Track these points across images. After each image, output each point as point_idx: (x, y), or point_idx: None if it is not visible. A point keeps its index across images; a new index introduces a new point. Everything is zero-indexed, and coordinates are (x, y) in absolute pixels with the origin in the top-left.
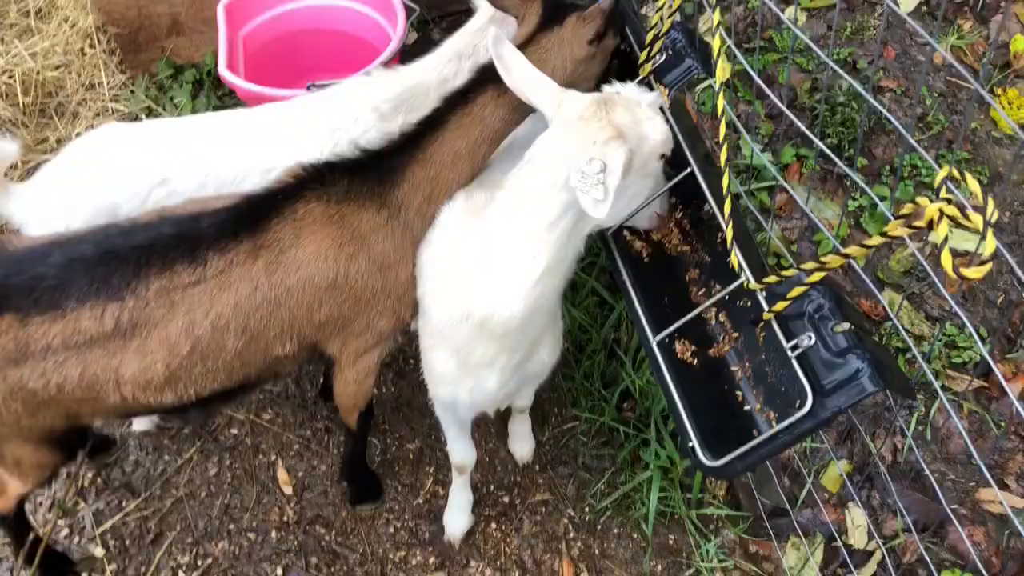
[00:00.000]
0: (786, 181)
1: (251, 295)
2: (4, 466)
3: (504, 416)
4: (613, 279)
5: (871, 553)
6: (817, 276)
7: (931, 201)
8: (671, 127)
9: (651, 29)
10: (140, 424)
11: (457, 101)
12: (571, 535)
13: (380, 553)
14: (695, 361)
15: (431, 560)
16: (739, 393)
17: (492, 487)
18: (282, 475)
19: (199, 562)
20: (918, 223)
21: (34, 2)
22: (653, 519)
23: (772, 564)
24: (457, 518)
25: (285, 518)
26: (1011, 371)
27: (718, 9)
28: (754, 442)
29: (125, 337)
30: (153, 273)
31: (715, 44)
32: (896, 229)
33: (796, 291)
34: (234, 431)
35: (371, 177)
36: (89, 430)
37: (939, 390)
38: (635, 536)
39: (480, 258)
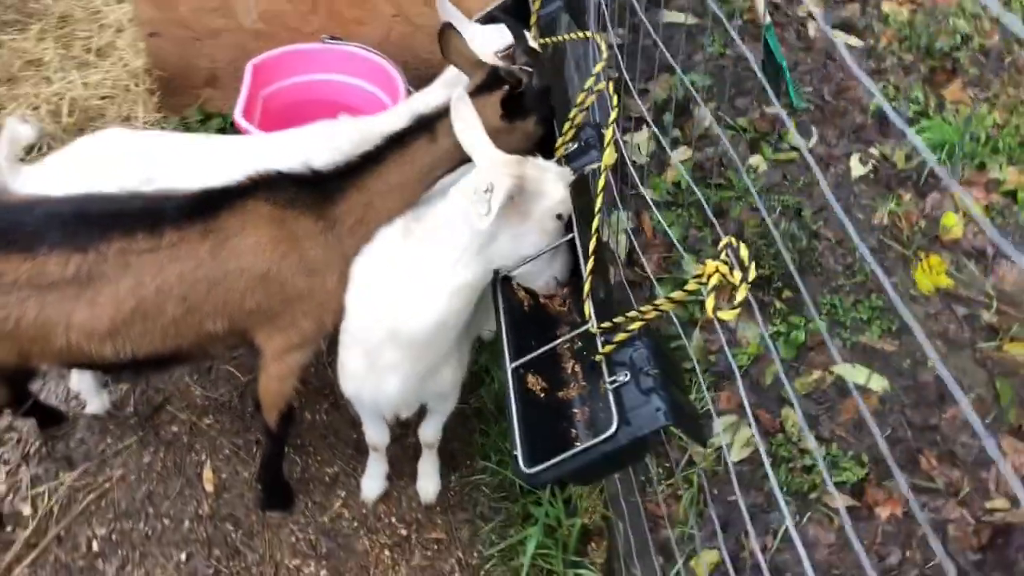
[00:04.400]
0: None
1: (194, 270)
2: None
3: (416, 456)
4: None
5: None
6: (637, 325)
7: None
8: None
9: (569, 120)
10: (92, 406)
11: (396, 142)
12: (455, 575)
13: (278, 557)
14: (543, 396)
15: (322, 573)
16: (574, 431)
17: (393, 519)
18: (207, 474)
19: (114, 536)
20: (699, 276)
21: (97, 41)
22: (528, 570)
23: None
24: (372, 484)
25: (200, 511)
26: (884, 497)
27: (616, 98)
28: (564, 455)
29: (81, 286)
30: (116, 235)
31: (607, 134)
32: (692, 284)
33: (620, 336)
34: (174, 428)
35: (314, 192)
36: (34, 374)
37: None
38: None
39: (400, 274)
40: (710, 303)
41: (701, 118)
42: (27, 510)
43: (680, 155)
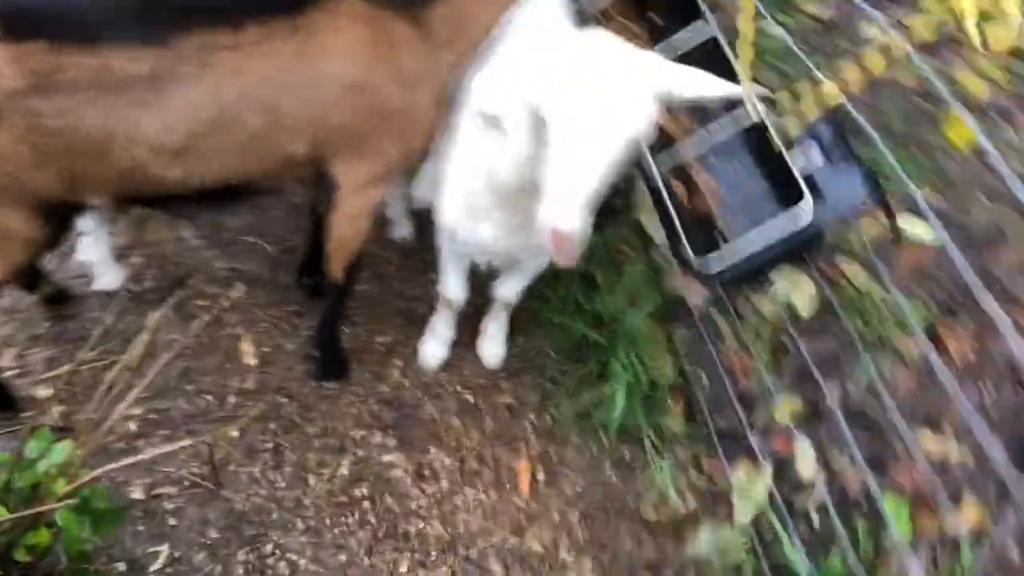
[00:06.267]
0: None
1: (279, 72)
2: None
3: (477, 320)
4: None
5: (814, 482)
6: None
7: None
8: None
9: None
10: (106, 281)
11: None
12: (531, 439)
13: (340, 429)
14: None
15: (390, 442)
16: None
17: (457, 386)
18: (246, 347)
19: (151, 416)
20: None
21: None
22: (616, 425)
23: (721, 482)
24: (434, 347)
25: (246, 385)
26: (956, 339)
27: None
28: (750, 251)
29: (153, 89)
30: (195, 28)
31: None
32: None
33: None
34: (200, 303)
35: None
36: (81, 210)
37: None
38: (592, 447)
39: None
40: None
41: None
42: (44, 392)
43: None
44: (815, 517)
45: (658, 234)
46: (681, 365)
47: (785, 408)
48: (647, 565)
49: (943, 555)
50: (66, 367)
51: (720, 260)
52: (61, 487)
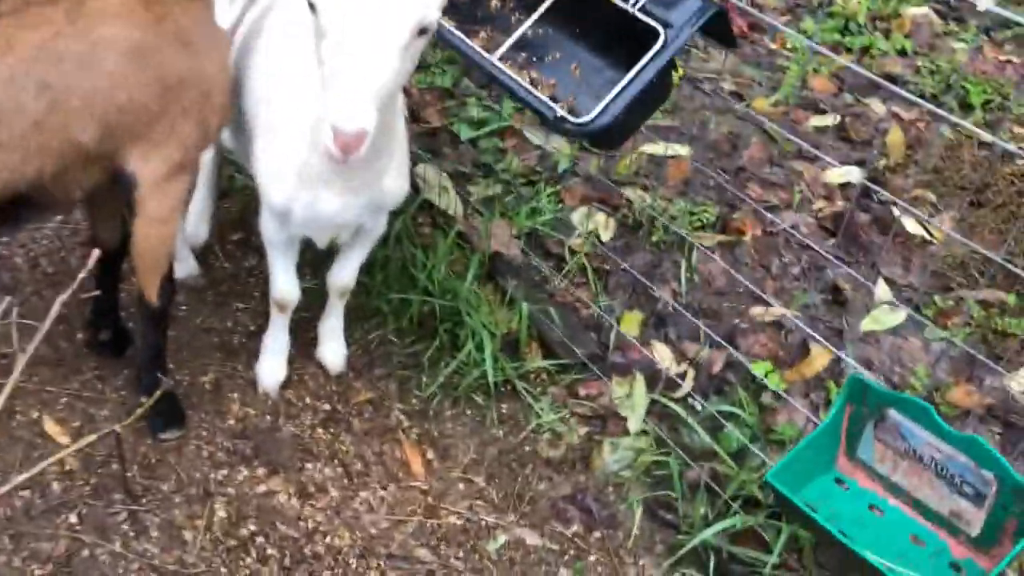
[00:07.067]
0: None
1: (53, 41)
2: None
3: (307, 331)
4: None
5: (684, 374)
6: None
7: None
8: None
9: None
10: None
11: None
12: (405, 424)
13: (197, 476)
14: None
15: (260, 472)
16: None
17: (308, 399)
18: (52, 428)
19: None
20: None
21: None
22: (493, 382)
23: (604, 401)
24: (272, 366)
25: (67, 467)
26: (742, 225)
27: None
28: (611, 95)
29: None
30: None
31: None
32: None
33: None
34: None
35: None
36: None
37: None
38: (468, 412)
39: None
40: None
41: None
42: None
43: None
44: (697, 404)
45: (455, 205)
46: (520, 311)
47: (630, 321)
48: (567, 498)
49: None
50: None
51: (601, 113)
52: None
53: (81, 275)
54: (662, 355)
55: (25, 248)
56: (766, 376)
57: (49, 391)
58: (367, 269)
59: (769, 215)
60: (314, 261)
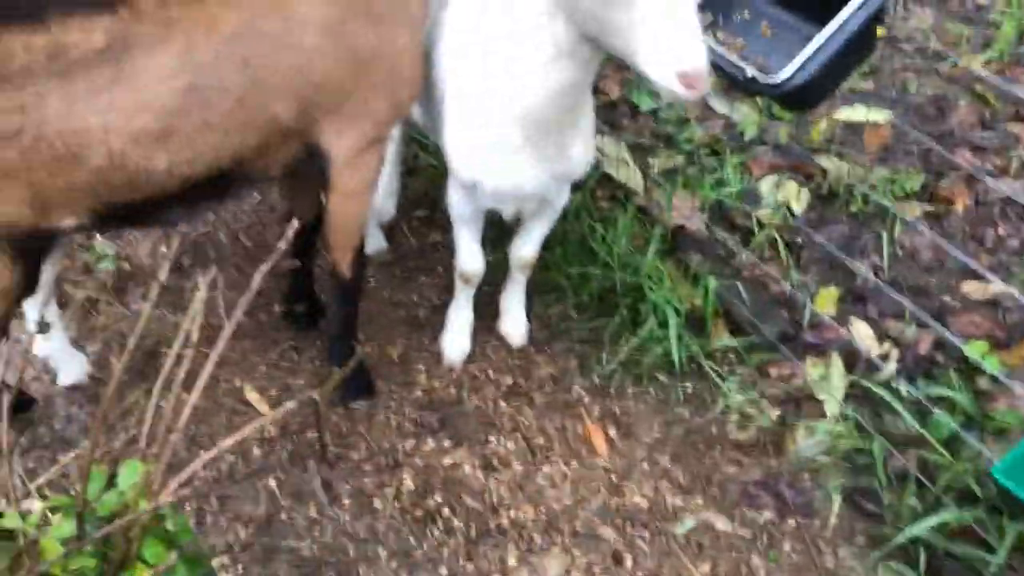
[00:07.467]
0: None
1: (252, 19)
2: None
3: (490, 305)
4: None
5: (886, 355)
6: None
7: None
8: None
9: None
10: (68, 376)
11: None
12: (586, 400)
13: (387, 446)
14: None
15: (445, 443)
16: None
17: (491, 372)
18: (252, 395)
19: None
20: None
21: None
22: (678, 359)
23: (797, 382)
24: (457, 339)
25: (266, 434)
26: (951, 194)
27: None
28: (814, 43)
29: (118, 61)
30: None
31: None
32: None
33: None
34: (184, 367)
35: None
36: (53, 241)
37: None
38: (651, 391)
39: (499, 40)
40: None
41: None
42: (36, 505)
43: None
44: (902, 388)
45: (635, 178)
46: (706, 287)
47: (826, 299)
48: (758, 483)
49: None
50: (47, 475)
51: (799, 71)
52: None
53: (280, 246)
54: (862, 334)
55: (227, 225)
56: (983, 358)
57: (249, 360)
58: (547, 244)
59: (984, 181)
60: (496, 236)
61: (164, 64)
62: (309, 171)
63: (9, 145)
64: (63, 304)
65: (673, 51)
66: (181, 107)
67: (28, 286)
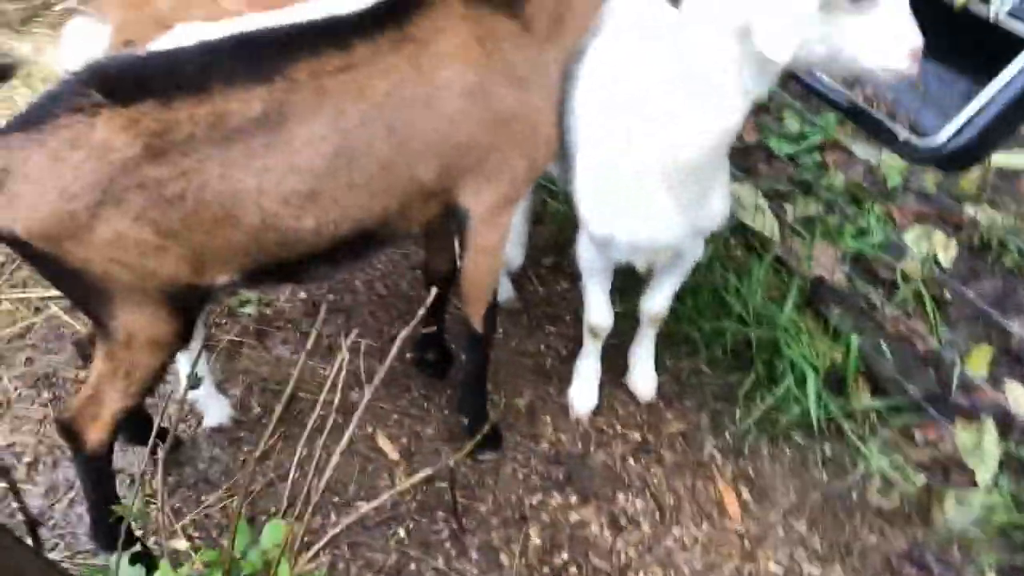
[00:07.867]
0: None
1: (398, 87)
2: (108, 356)
3: (618, 358)
4: None
5: None
6: None
7: None
8: None
9: None
10: (213, 419)
11: None
12: (718, 460)
13: (515, 499)
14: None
15: (572, 499)
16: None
17: (619, 427)
18: (384, 443)
19: (305, 538)
20: None
21: None
22: (816, 420)
23: (945, 447)
24: (584, 392)
25: (397, 482)
26: None
27: None
28: (977, 102)
29: (272, 128)
30: (303, 56)
31: None
32: None
33: None
34: (319, 412)
35: None
36: (208, 297)
37: None
38: (787, 452)
39: (658, 89)
40: None
41: None
42: (182, 544)
43: None
44: None
45: (771, 226)
46: (847, 343)
47: (978, 358)
48: (902, 554)
49: None
50: (191, 515)
51: (959, 132)
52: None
53: (420, 312)
54: (1018, 398)
55: (363, 271)
56: None
57: (382, 407)
58: (679, 295)
59: None
60: (624, 286)
61: (314, 130)
62: (446, 226)
63: (172, 209)
64: (210, 347)
65: (905, 33)
66: (328, 170)
67: (184, 339)
